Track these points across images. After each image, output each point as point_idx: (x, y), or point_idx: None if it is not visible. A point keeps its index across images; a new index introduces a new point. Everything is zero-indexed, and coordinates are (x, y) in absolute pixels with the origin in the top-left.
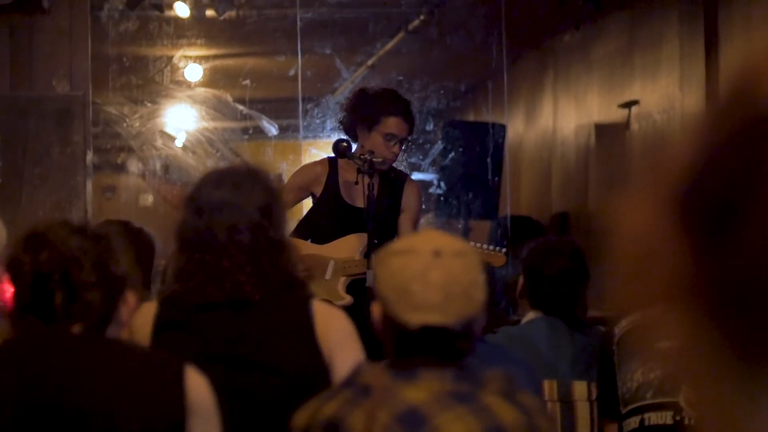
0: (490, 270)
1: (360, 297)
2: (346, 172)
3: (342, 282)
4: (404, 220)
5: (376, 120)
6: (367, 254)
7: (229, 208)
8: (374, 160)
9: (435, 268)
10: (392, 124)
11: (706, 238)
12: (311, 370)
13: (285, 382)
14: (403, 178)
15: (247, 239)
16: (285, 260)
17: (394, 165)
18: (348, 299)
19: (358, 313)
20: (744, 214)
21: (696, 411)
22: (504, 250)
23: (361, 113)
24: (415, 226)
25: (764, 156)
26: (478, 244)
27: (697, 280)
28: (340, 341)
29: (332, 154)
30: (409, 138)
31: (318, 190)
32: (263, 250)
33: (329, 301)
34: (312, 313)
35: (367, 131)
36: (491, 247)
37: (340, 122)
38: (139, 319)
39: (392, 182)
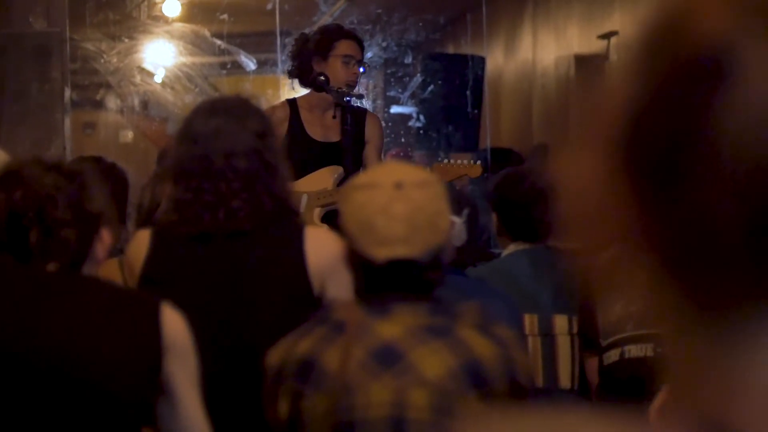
0: (473, 204)
1: (337, 226)
2: (308, 111)
3: (317, 213)
4: (369, 150)
5: (330, 46)
6: (342, 184)
7: (225, 134)
8: (351, 92)
9: (397, 200)
10: (347, 45)
11: (652, 189)
12: (300, 304)
13: (273, 317)
14: (363, 111)
15: (244, 164)
16: (279, 185)
17: (362, 102)
18: (323, 227)
19: None
20: (689, 162)
21: (666, 361)
22: (479, 161)
23: (313, 47)
24: (379, 156)
25: (702, 101)
26: (453, 160)
27: (648, 234)
28: (332, 267)
29: (294, 96)
30: (365, 62)
31: (282, 132)
32: (259, 174)
33: None
34: (304, 243)
35: (323, 61)
36: (465, 161)
37: (289, 72)
38: (133, 249)
39: (354, 117)
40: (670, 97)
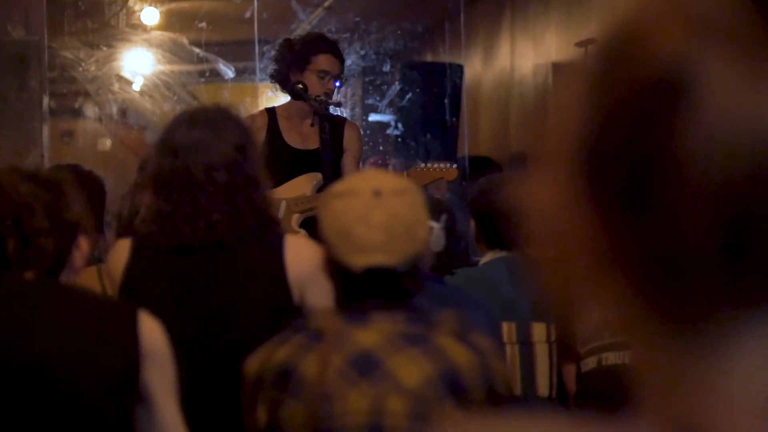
0: (451, 212)
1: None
2: (287, 120)
3: (295, 218)
4: (348, 159)
5: (307, 60)
6: (321, 191)
7: (205, 146)
8: (329, 101)
9: (376, 208)
10: (323, 61)
11: (618, 209)
12: (280, 313)
13: (252, 326)
14: (342, 120)
15: (224, 178)
16: (259, 197)
17: (340, 111)
18: (301, 233)
19: None
20: (654, 181)
21: (638, 370)
22: (455, 165)
23: (292, 58)
24: (357, 164)
25: (662, 121)
26: (429, 164)
27: (615, 251)
28: (311, 276)
29: (273, 105)
30: (342, 76)
31: (260, 140)
32: (239, 187)
33: None
34: (283, 253)
35: (300, 74)
36: (441, 165)
37: (271, 75)
38: (113, 259)
39: (332, 125)
40: (630, 118)
